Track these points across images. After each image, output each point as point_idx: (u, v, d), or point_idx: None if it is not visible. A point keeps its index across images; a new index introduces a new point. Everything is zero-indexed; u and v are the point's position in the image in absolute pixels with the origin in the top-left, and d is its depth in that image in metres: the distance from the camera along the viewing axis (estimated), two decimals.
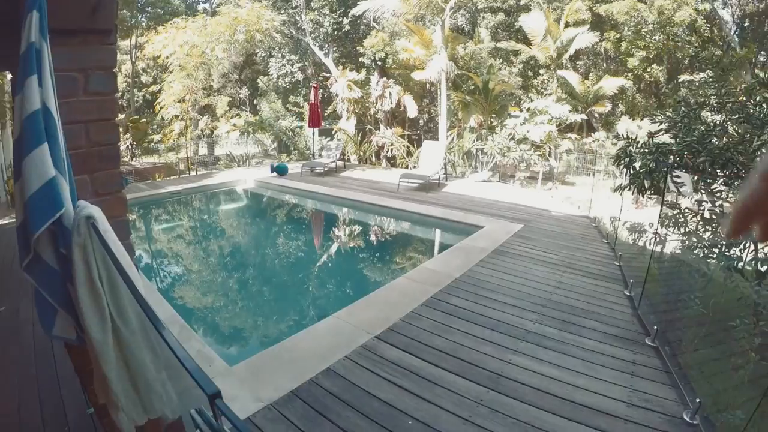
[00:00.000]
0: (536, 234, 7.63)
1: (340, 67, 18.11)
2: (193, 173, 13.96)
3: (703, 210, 5.33)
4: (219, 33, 15.28)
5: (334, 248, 8.99)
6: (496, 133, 13.57)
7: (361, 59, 17.51)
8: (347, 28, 18.83)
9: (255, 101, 23.38)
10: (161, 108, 16.09)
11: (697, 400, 3.25)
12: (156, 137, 18.15)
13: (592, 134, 16.14)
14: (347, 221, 10.65)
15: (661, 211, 6.02)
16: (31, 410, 3.04)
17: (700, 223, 5.33)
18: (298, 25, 18.98)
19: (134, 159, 16.45)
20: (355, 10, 16.27)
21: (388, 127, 17.01)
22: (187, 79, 15.45)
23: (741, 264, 4.62)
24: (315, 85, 14.48)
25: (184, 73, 15.38)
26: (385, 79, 16.68)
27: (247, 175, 13.14)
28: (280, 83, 21.36)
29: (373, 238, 9.58)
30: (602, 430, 3.00)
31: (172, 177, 13.63)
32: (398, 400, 3.17)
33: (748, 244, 4.85)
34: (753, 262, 4.54)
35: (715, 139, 5.50)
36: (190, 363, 1.07)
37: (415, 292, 5.06)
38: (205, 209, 11.54)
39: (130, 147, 16.19)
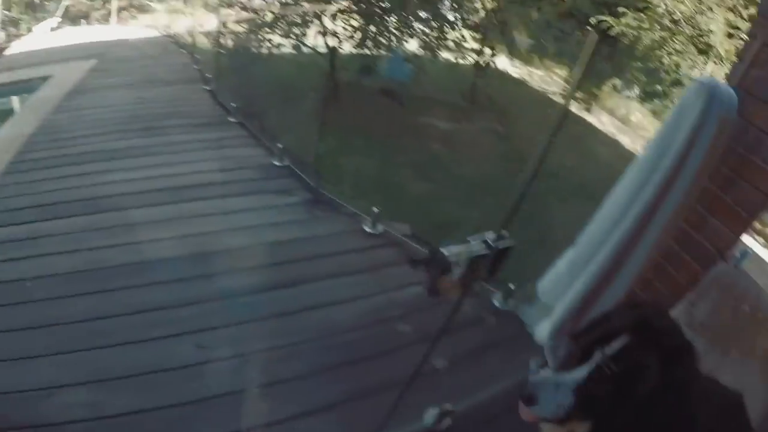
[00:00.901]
0: (112, 64, 7.12)
1: None
2: None
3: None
4: None
5: None
6: None
7: None
8: None
9: None
10: None
11: (279, 145, 3.78)
12: None
13: None
14: None
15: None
16: None
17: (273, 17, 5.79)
18: None
19: None
20: None
21: None
22: None
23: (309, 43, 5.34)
24: None
25: None
26: None
27: None
28: None
29: None
30: (204, 198, 3.23)
31: None
32: (11, 271, 2.74)
33: (311, 21, 5.61)
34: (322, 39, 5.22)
35: None
36: None
37: None
38: None
39: None
